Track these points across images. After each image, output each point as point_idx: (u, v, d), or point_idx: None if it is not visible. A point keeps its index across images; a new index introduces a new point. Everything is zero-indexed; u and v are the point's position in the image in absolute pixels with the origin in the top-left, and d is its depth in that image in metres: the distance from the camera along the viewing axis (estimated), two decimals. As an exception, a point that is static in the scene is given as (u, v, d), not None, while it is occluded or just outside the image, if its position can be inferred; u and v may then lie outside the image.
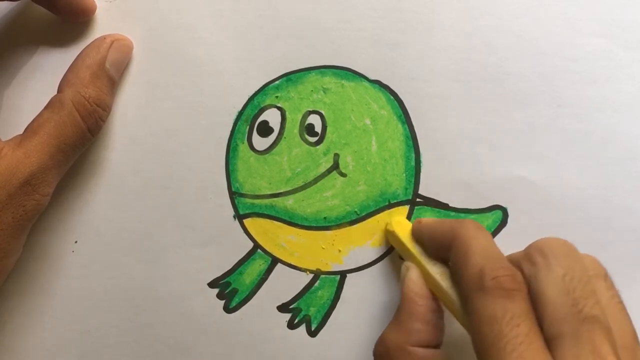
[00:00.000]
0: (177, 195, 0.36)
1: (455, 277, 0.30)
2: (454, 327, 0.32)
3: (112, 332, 0.36)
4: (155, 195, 0.36)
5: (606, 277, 0.29)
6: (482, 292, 0.27)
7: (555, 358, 0.25)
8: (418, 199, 0.36)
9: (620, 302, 0.28)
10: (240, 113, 0.37)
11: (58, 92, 0.34)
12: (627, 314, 0.28)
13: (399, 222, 0.36)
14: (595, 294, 0.26)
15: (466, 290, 0.28)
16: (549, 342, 0.26)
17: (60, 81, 0.34)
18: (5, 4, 0.36)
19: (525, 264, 0.28)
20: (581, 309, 0.26)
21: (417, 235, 0.34)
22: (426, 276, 0.32)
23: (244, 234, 0.36)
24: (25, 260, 0.36)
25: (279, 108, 0.37)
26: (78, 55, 0.35)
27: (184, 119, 0.36)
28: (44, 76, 0.36)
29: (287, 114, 0.37)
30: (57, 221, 0.36)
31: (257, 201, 0.36)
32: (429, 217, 0.36)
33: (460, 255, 0.30)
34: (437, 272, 0.32)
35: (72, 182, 0.36)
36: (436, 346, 0.31)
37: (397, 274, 0.36)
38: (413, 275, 0.33)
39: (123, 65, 0.36)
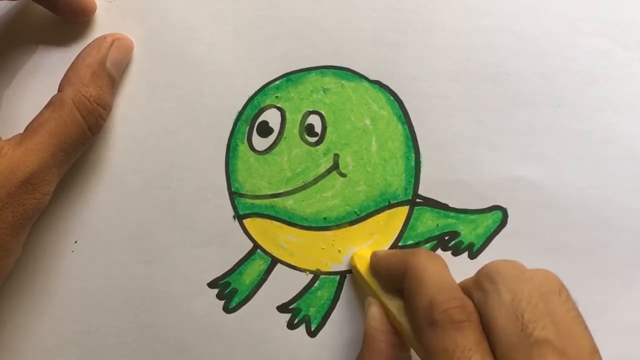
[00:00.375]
0: (177, 195, 0.36)
1: (409, 311, 0.30)
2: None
3: (112, 332, 0.36)
4: (155, 195, 0.36)
5: (561, 291, 0.28)
6: (433, 326, 0.27)
7: None
8: (418, 199, 0.36)
9: (577, 316, 0.27)
10: (240, 113, 0.37)
11: (59, 91, 0.34)
12: (583, 327, 0.27)
13: (361, 256, 0.35)
14: (546, 314, 0.26)
15: (418, 325, 0.28)
16: None
17: (61, 80, 0.34)
18: (5, 4, 0.36)
19: (475, 291, 0.28)
20: (531, 332, 0.25)
21: (374, 269, 0.34)
22: (387, 311, 0.32)
23: (244, 234, 0.36)
24: (25, 260, 0.36)
25: (279, 108, 0.37)
26: (79, 55, 0.35)
27: (184, 119, 0.36)
28: (44, 76, 0.36)
29: (287, 114, 0.37)
30: (57, 221, 0.36)
31: (257, 201, 0.36)
32: (384, 250, 0.35)
33: (411, 288, 0.29)
34: (395, 306, 0.32)
35: (73, 182, 0.36)
36: None
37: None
38: (373, 311, 0.33)
39: (124, 65, 0.36)
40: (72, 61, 0.35)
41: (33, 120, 0.33)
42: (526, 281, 0.27)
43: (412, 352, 0.32)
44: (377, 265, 0.34)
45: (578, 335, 0.26)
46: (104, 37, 0.35)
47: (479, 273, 0.29)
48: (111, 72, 0.35)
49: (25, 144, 0.32)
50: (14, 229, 0.32)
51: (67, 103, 0.33)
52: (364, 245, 0.36)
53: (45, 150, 0.32)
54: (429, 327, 0.27)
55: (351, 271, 0.36)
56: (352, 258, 0.36)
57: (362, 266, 0.35)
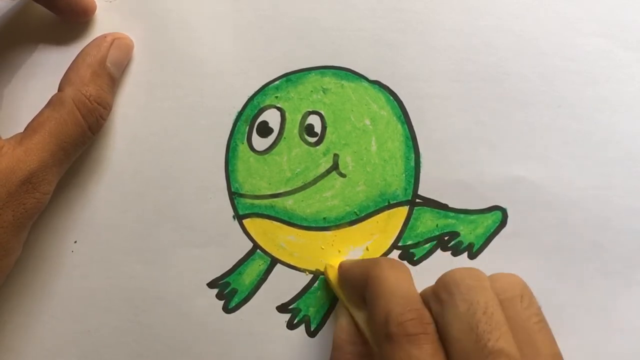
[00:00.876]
0: (177, 195, 0.36)
1: (369, 322, 0.30)
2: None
3: (112, 332, 0.36)
4: (155, 195, 0.36)
5: (523, 296, 0.28)
6: (389, 340, 0.27)
7: None
8: (417, 200, 0.36)
9: (540, 322, 0.27)
10: (240, 113, 0.37)
11: (59, 90, 0.34)
12: (546, 333, 0.27)
13: (331, 267, 0.35)
14: (503, 323, 0.26)
15: (376, 338, 0.28)
16: None
17: (61, 79, 0.34)
18: (5, 4, 0.36)
19: (432, 302, 0.28)
20: (485, 343, 0.25)
21: (342, 279, 0.34)
22: (355, 321, 0.32)
23: (244, 234, 0.36)
24: (25, 260, 0.36)
25: (278, 108, 0.37)
26: (79, 54, 0.35)
27: (184, 119, 0.36)
28: (44, 75, 0.36)
29: (287, 114, 0.37)
30: (57, 221, 0.37)
31: (256, 201, 0.36)
32: (350, 260, 0.35)
33: (370, 300, 0.29)
34: (361, 317, 0.32)
35: (73, 182, 0.36)
36: None
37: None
38: (342, 322, 0.33)
39: (124, 64, 0.36)
40: (72, 60, 0.35)
41: (33, 120, 0.33)
42: (483, 290, 0.27)
43: None
44: (343, 276, 0.34)
45: (539, 342, 0.26)
46: (104, 37, 0.35)
47: (437, 282, 0.28)
48: (111, 71, 0.35)
49: (25, 143, 0.32)
50: (14, 229, 0.32)
51: (67, 102, 0.33)
52: (365, 244, 0.36)
53: (45, 150, 0.32)
54: (385, 341, 0.27)
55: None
56: (324, 268, 0.36)
57: (333, 277, 0.35)
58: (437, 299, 0.28)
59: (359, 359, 0.31)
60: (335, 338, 0.32)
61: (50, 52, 0.37)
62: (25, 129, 0.33)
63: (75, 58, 0.35)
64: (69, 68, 0.34)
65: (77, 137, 0.33)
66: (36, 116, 0.33)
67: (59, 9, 0.35)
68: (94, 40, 0.35)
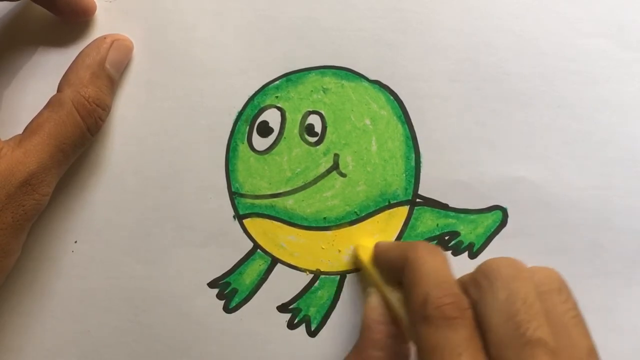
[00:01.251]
0: (177, 195, 0.36)
1: (406, 304, 0.30)
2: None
3: (112, 332, 0.36)
4: (155, 195, 0.36)
5: (561, 290, 0.28)
6: (426, 322, 0.27)
7: None
8: (418, 199, 0.36)
9: (576, 316, 0.27)
10: (240, 113, 0.37)
11: (58, 91, 0.34)
12: (582, 327, 0.27)
13: (363, 247, 0.35)
14: (543, 314, 0.26)
15: (413, 319, 0.28)
16: None
17: (60, 81, 0.34)
18: (5, 4, 0.36)
19: (471, 288, 0.28)
20: (524, 332, 0.25)
21: (376, 260, 0.34)
22: (387, 302, 0.32)
23: (244, 234, 0.36)
24: (25, 260, 0.36)
25: (278, 108, 0.37)
26: (78, 55, 0.35)
27: (184, 119, 0.36)
28: (44, 76, 0.36)
29: (287, 114, 0.37)
30: (57, 221, 0.36)
31: (257, 201, 0.36)
32: (386, 242, 0.35)
33: (408, 282, 0.29)
34: (395, 298, 0.32)
35: (72, 182, 0.36)
36: None
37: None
38: (373, 301, 0.33)
39: (123, 65, 0.36)
40: (71, 61, 0.35)
41: (32, 121, 0.33)
42: (523, 280, 0.27)
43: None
44: (379, 256, 0.34)
45: (575, 336, 0.26)
46: (104, 38, 0.35)
47: (477, 270, 0.29)
48: (110, 72, 0.35)
49: (24, 144, 0.32)
50: (13, 230, 0.32)
51: (66, 104, 0.33)
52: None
53: (44, 151, 0.32)
54: (422, 322, 0.27)
55: (351, 271, 0.36)
56: (355, 248, 0.36)
57: (366, 257, 0.35)
58: (476, 285, 0.28)
59: (389, 339, 0.31)
60: (366, 318, 0.32)
61: (50, 53, 0.37)
62: (24, 130, 0.33)
63: (75, 59, 0.35)
64: (68, 69, 0.34)
65: (76, 139, 0.33)
66: (35, 117, 0.33)
67: (58, 10, 0.35)
68: (93, 41, 0.35)
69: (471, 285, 0.28)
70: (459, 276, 0.30)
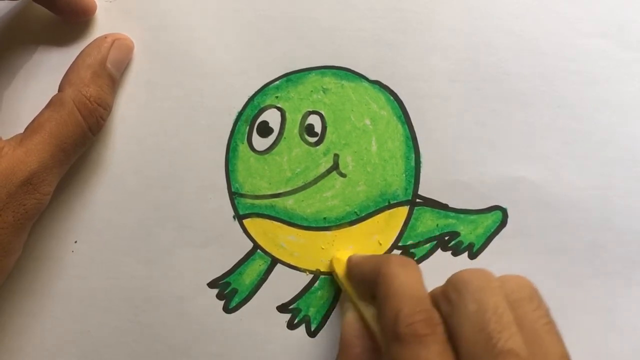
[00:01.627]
0: (177, 195, 0.36)
1: (379, 320, 0.30)
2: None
3: (112, 332, 0.36)
4: (155, 195, 0.36)
5: (532, 298, 0.28)
6: (397, 340, 0.27)
7: None
8: (418, 200, 0.36)
9: (548, 323, 0.27)
10: (240, 113, 0.37)
11: (59, 91, 0.34)
12: (554, 334, 0.27)
13: (338, 260, 0.35)
14: (513, 324, 0.26)
15: (385, 336, 0.28)
16: None
17: (61, 80, 0.34)
18: (5, 4, 0.36)
19: (442, 302, 0.28)
20: (495, 343, 0.25)
21: (350, 275, 0.34)
22: (362, 316, 0.32)
23: (244, 234, 0.36)
24: (25, 260, 0.36)
25: (278, 108, 0.37)
26: (79, 55, 0.35)
27: (184, 119, 0.36)
28: (44, 76, 0.36)
29: (287, 114, 0.37)
30: (57, 221, 0.36)
31: (257, 201, 0.36)
32: (359, 255, 0.35)
33: (380, 298, 0.29)
34: (369, 313, 0.31)
35: (73, 182, 0.36)
36: None
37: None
38: (349, 317, 0.33)
39: (124, 65, 0.36)
40: (72, 61, 0.35)
41: (33, 120, 0.33)
42: (492, 290, 0.27)
43: None
44: (352, 270, 0.34)
45: (548, 343, 0.26)
46: (104, 37, 0.35)
47: (447, 283, 0.29)
48: (111, 72, 0.35)
49: (25, 144, 0.32)
50: (14, 229, 0.32)
51: (67, 103, 0.33)
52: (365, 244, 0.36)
53: (46, 151, 0.32)
54: (394, 340, 0.27)
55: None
56: (330, 262, 0.36)
57: (340, 270, 0.35)
58: (446, 299, 0.28)
59: (368, 353, 0.31)
60: (343, 334, 0.32)
61: (51, 53, 0.37)
62: (26, 129, 0.33)
63: (76, 59, 0.35)
64: (69, 69, 0.34)
65: (77, 138, 0.33)
66: (36, 117, 0.33)
67: (59, 9, 0.35)
68: (94, 41, 0.35)
69: (442, 299, 0.28)
70: (430, 289, 0.30)
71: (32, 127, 0.33)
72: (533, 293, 0.28)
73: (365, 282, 0.32)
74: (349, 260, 0.34)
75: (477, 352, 0.25)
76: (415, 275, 0.30)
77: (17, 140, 0.33)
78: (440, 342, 0.26)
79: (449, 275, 0.29)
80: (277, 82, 0.37)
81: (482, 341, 0.25)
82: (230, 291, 0.36)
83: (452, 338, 0.27)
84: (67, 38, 0.37)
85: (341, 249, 0.36)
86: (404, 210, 0.36)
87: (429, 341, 0.26)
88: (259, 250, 0.36)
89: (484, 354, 0.25)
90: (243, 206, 0.36)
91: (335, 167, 0.36)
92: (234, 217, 0.36)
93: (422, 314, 0.27)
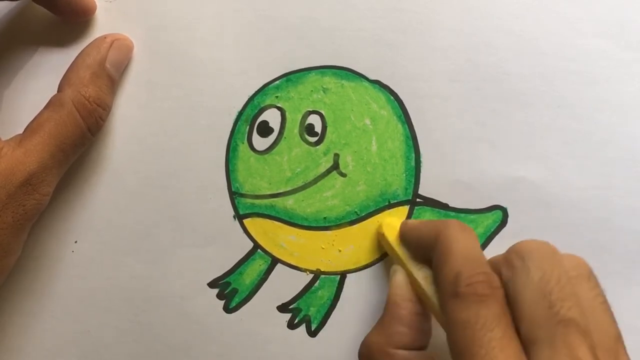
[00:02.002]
0: (177, 195, 0.36)
1: (435, 281, 0.30)
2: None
3: (112, 332, 0.36)
4: (155, 195, 0.36)
5: (589, 277, 0.28)
6: (457, 298, 0.27)
7: None
8: (418, 199, 0.36)
9: (604, 303, 0.28)
10: (240, 113, 0.37)
11: (58, 91, 0.34)
12: (610, 315, 0.27)
13: (389, 225, 0.35)
14: (574, 295, 0.26)
15: (443, 296, 0.28)
16: (526, 346, 0.25)
17: (61, 80, 0.34)
18: (5, 4, 0.36)
19: (503, 268, 0.28)
20: (557, 311, 0.25)
21: (404, 238, 0.34)
22: (412, 280, 0.32)
23: (244, 234, 0.36)
24: (26, 260, 0.36)
25: (279, 108, 0.37)
26: (78, 55, 0.35)
27: (184, 119, 0.36)
28: (44, 76, 0.36)
29: (287, 114, 0.37)
30: (57, 221, 0.36)
31: (257, 201, 0.36)
32: (414, 220, 0.36)
33: (440, 259, 0.30)
34: (422, 276, 0.32)
35: (72, 182, 0.36)
36: (420, 348, 0.31)
37: (397, 274, 0.36)
38: (398, 278, 0.33)
39: (123, 65, 0.36)
40: (72, 61, 0.35)
41: (32, 121, 0.33)
42: (556, 262, 0.27)
43: (433, 322, 0.32)
44: (407, 234, 0.34)
45: (604, 321, 0.27)
46: (104, 38, 0.35)
47: (510, 250, 0.29)
48: (111, 72, 0.35)
49: (24, 144, 0.32)
50: (14, 230, 0.32)
51: (66, 103, 0.33)
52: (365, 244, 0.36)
53: (45, 151, 0.32)
54: (453, 299, 0.27)
55: (351, 270, 0.36)
56: (380, 226, 0.36)
57: (391, 234, 0.35)
58: (509, 265, 0.28)
59: (413, 316, 0.32)
60: (391, 295, 0.32)
61: (50, 53, 0.37)
62: (25, 130, 0.33)
63: (75, 59, 0.35)
64: (68, 69, 0.34)
65: (76, 138, 0.33)
66: (35, 117, 0.33)
67: (59, 10, 0.35)
68: (93, 41, 0.35)
69: (503, 265, 0.28)
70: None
71: (32, 128, 0.33)
72: (590, 273, 0.28)
73: (421, 245, 0.32)
74: (405, 224, 0.35)
75: (538, 317, 0.25)
76: (475, 240, 0.30)
77: (17, 141, 0.33)
78: (500, 303, 0.27)
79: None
80: (277, 82, 0.37)
81: (544, 308, 0.26)
82: (231, 291, 0.36)
83: (511, 303, 0.27)
84: (67, 38, 0.37)
85: (336, 253, 0.36)
86: (404, 210, 0.36)
87: (489, 301, 0.27)
88: (259, 250, 0.36)
89: (545, 320, 0.25)
90: (243, 206, 0.36)
91: (335, 166, 0.36)
92: (234, 217, 0.36)
93: (482, 276, 0.27)
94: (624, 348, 0.27)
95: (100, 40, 0.35)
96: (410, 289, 0.32)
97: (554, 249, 0.29)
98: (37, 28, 0.37)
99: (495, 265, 0.29)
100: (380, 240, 0.36)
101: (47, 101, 0.34)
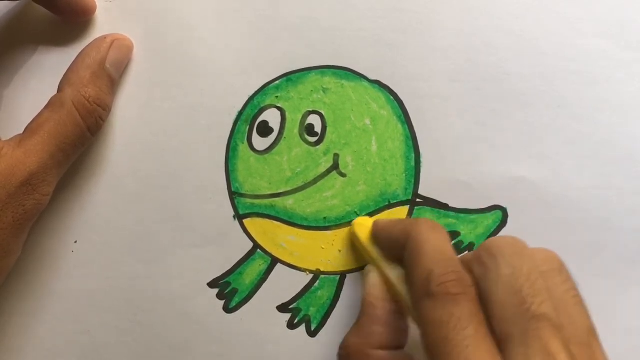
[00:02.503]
0: (177, 195, 0.36)
1: (407, 280, 0.30)
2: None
3: (112, 332, 0.36)
4: (155, 195, 0.36)
5: (561, 270, 0.28)
6: (429, 298, 0.27)
7: (505, 359, 0.25)
8: (418, 199, 0.36)
9: (577, 296, 0.28)
10: (240, 113, 0.37)
11: (58, 91, 0.34)
12: (583, 307, 0.27)
13: (361, 224, 0.35)
14: (546, 290, 0.26)
15: (415, 296, 0.28)
16: (500, 343, 0.25)
17: (61, 81, 0.34)
18: (5, 4, 0.36)
19: (474, 266, 0.28)
20: (529, 307, 0.25)
21: (376, 237, 0.34)
22: (386, 279, 0.32)
23: (244, 234, 0.36)
24: (25, 260, 0.36)
25: (278, 108, 0.37)
26: (78, 55, 0.35)
27: (184, 119, 0.36)
28: (44, 76, 0.36)
29: (287, 114, 0.37)
30: (57, 221, 0.36)
31: (257, 201, 0.36)
32: (385, 219, 0.35)
33: (411, 259, 0.30)
34: (394, 275, 0.32)
35: (72, 182, 0.36)
36: (398, 347, 0.31)
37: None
38: (372, 279, 0.33)
39: (123, 65, 0.36)
40: (72, 61, 0.35)
41: (32, 121, 0.33)
42: (526, 258, 0.27)
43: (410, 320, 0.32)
44: (378, 233, 0.34)
45: (576, 315, 0.27)
46: (104, 38, 0.35)
47: (480, 248, 0.29)
48: (111, 72, 0.35)
49: (24, 144, 0.32)
50: (14, 230, 0.32)
51: (66, 103, 0.33)
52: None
53: (45, 151, 0.32)
54: (426, 299, 0.27)
55: (351, 271, 0.36)
56: (352, 225, 0.36)
57: (363, 234, 0.35)
58: (479, 263, 0.28)
59: (389, 315, 0.32)
60: (366, 295, 0.32)
61: (50, 53, 0.37)
62: (25, 130, 0.33)
63: (75, 59, 0.35)
64: (68, 69, 0.34)
65: (76, 139, 0.33)
66: (35, 117, 0.33)
67: (59, 10, 0.35)
68: (93, 41, 0.35)
69: (474, 263, 0.28)
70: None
71: (31, 128, 0.33)
72: (562, 266, 0.28)
73: (392, 245, 0.32)
74: (376, 223, 0.34)
75: (510, 314, 0.26)
76: (445, 238, 0.30)
77: (17, 141, 0.33)
78: (472, 301, 0.27)
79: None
80: (277, 82, 0.37)
81: (515, 304, 0.26)
82: (231, 291, 0.36)
83: (483, 301, 0.27)
84: (67, 38, 0.37)
85: (336, 252, 0.36)
86: (404, 210, 0.36)
87: (461, 300, 0.27)
88: (259, 250, 0.36)
89: (517, 317, 0.25)
90: (243, 206, 0.36)
91: (335, 166, 0.36)
92: (234, 217, 0.36)
93: (453, 275, 0.28)
94: (598, 340, 0.27)
95: (100, 40, 0.35)
96: (384, 288, 0.32)
97: (524, 244, 0.29)
98: (37, 28, 0.37)
99: (467, 263, 0.29)
100: (353, 240, 0.36)
101: (47, 101, 0.34)
